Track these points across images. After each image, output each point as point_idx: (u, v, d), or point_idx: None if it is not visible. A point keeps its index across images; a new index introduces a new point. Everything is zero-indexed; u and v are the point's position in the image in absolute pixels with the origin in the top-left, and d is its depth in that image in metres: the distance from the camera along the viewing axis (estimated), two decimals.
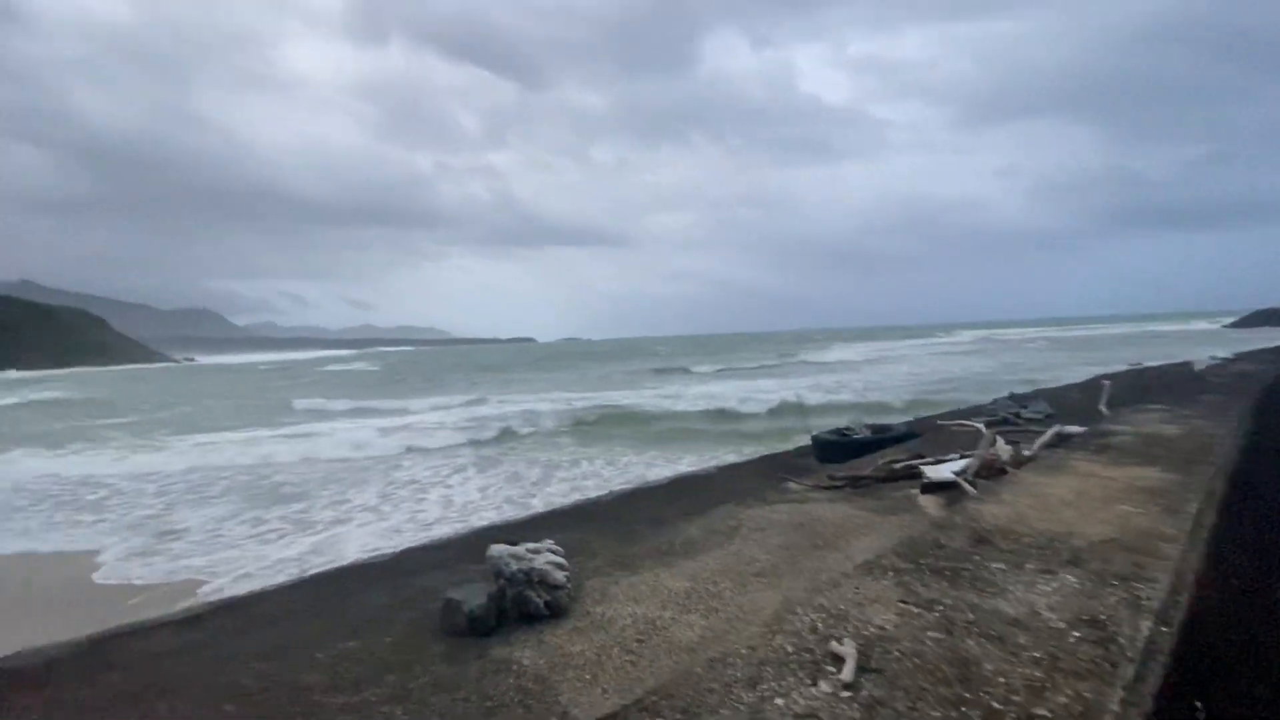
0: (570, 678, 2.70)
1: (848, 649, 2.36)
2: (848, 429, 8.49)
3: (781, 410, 19.49)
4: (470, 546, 5.20)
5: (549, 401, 26.01)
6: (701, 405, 21.91)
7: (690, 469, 10.02)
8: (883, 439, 7.95)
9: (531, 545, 3.41)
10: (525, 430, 17.82)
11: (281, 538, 9.01)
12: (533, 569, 3.25)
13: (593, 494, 9.66)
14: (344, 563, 5.49)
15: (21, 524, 10.54)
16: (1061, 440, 6.87)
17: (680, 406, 21.96)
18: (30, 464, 15.62)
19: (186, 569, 7.75)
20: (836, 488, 5.87)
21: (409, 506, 10.57)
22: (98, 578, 7.77)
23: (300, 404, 29.80)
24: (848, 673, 2.22)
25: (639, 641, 3.01)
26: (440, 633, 3.19)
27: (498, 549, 3.27)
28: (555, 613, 3.25)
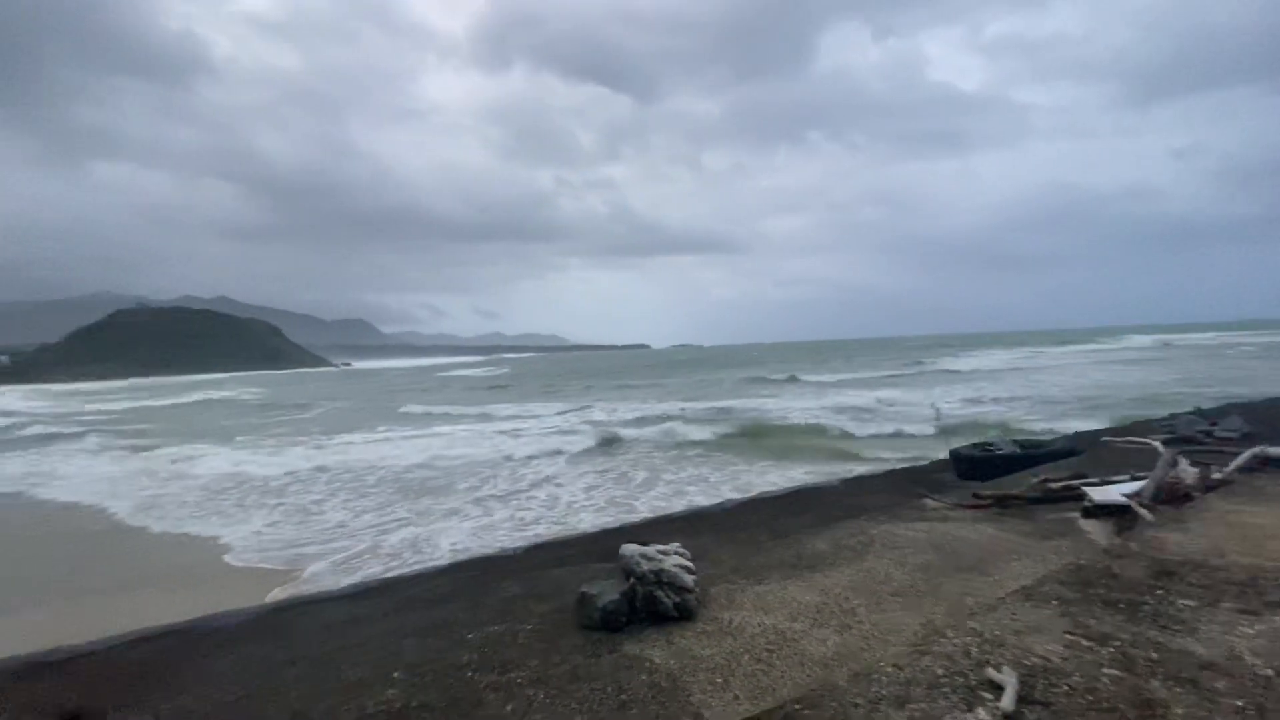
0: (701, 679, 2.72)
1: (1008, 677, 2.18)
2: (990, 443, 7.81)
3: (906, 421, 18.29)
4: (593, 545, 5.41)
5: (659, 407, 26.26)
6: (818, 415, 21.02)
7: (809, 480, 9.70)
8: (1034, 455, 7.22)
9: (660, 547, 3.48)
10: (633, 435, 18.03)
11: (404, 526, 9.78)
12: (662, 570, 3.31)
13: (700, 501, 9.65)
14: (480, 553, 5.88)
15: (169, 511, 12.18)
16: (1264, 464, 5.89)
17: (795, 417, 21.20)
18: (211, 461, 17.60)
19: (318, 554, 8.60)
20: (981, 507, 5.42)
21: (529, 504, 11.07)
22: (229, 559, 8.75)
23: (433, 409, 31.98)
24: (1008, 701, 2.06)
25: (769, 651, 2.96)
26: (574, 625, 3.33)
27: (630, 549, 3.37)
28: (683, 615, 3.28)
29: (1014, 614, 2.90)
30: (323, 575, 7.53)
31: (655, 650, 3.01)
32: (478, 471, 14.34)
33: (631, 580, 3.32)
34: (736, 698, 2.56)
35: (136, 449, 21.39)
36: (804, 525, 5.19)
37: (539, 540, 6.39)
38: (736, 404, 26.10)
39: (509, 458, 15.71)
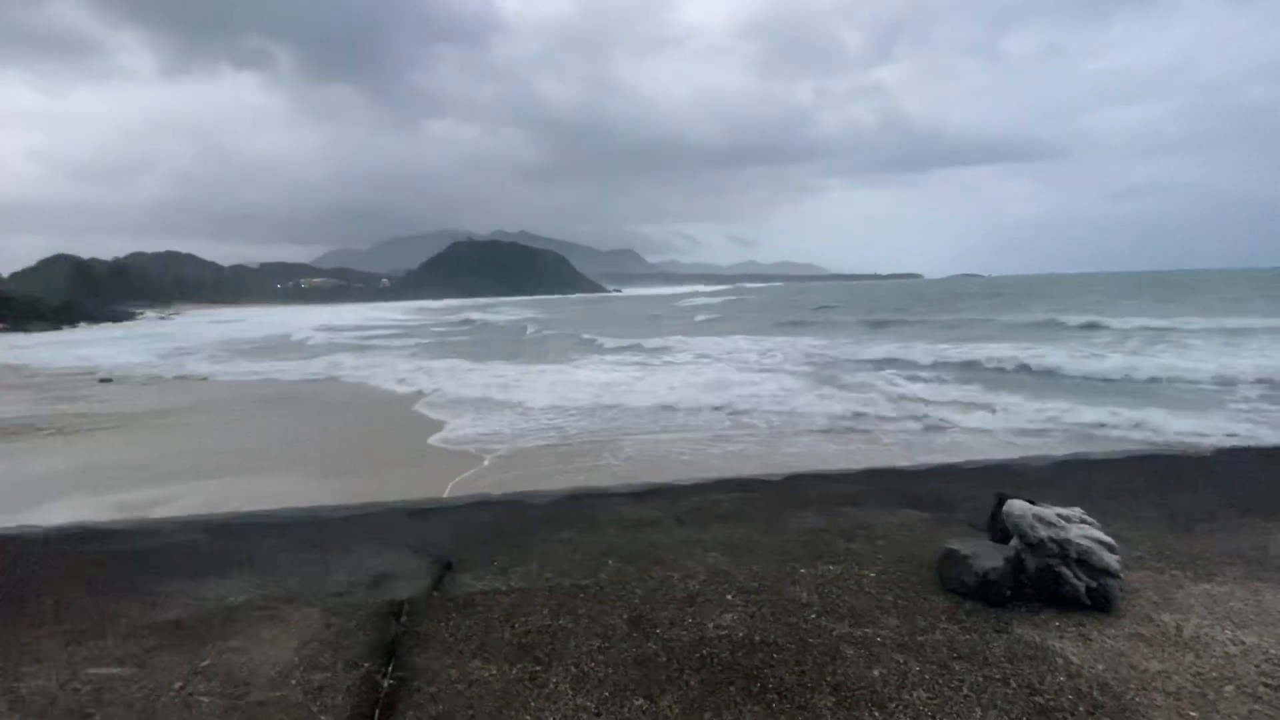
0: (1164, 707, 1.91)
1: None
2: None
3: None
4: (883, 483, 4.65)
5: (886, 349, 20.41)
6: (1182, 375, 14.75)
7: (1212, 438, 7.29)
8: None
9: (1060, 510, 2.63)
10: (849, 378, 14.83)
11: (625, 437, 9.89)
12: (1068, 541, 2.48)
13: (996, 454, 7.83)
14: (772, 476, 5.53)
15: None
16: None
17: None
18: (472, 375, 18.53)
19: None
20: None
21: (742, 430, 10.21)
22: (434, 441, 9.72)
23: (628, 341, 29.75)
24: None
25: (1266, 685, 2.00)
26: (934, 584, 2.73)
27: (1018, 506, 2.59)
28: (1097, 604, 2.44)
29: None
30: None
31: (1067, 644, 2.26)
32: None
33: (1020, 546, 2.56)
34: None
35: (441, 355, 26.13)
36: (1242, 508, 3.71)
37: (825, 470, 5.81)
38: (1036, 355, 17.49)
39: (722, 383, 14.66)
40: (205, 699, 1.89)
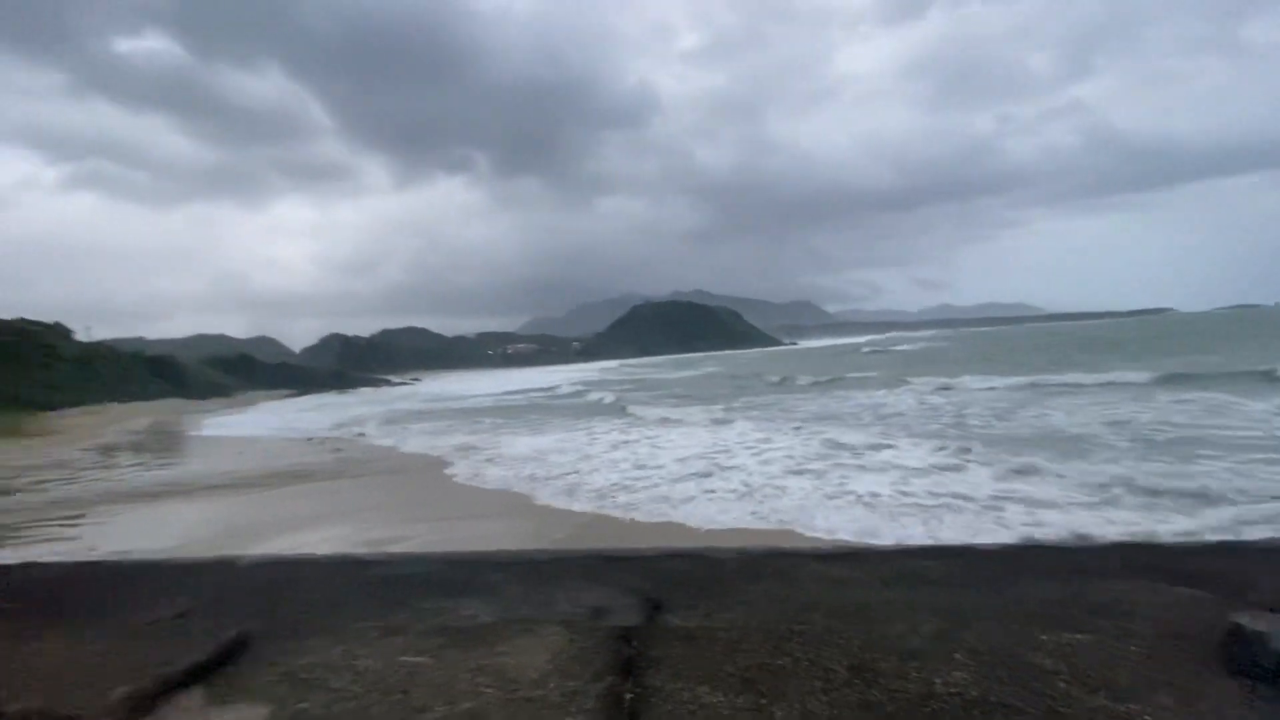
0: None
1: None
2: None
3: None
4: (1150, 565, 3.93)
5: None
6: None
7: None
8: None
9: None
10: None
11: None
12: None
13: None
14: (1001, 543, 5.04)
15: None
16: None
17: None
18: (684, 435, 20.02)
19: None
20: None
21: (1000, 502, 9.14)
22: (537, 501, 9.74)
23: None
24: None
25: None
26: (1219, 666, 2.33)
27: None
28: None
29: None
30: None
31: None
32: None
33: None
34: None
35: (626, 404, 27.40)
36: None
37: (1032, 539, 5.12)
38: None
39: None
40: (488, 690, 2.28)
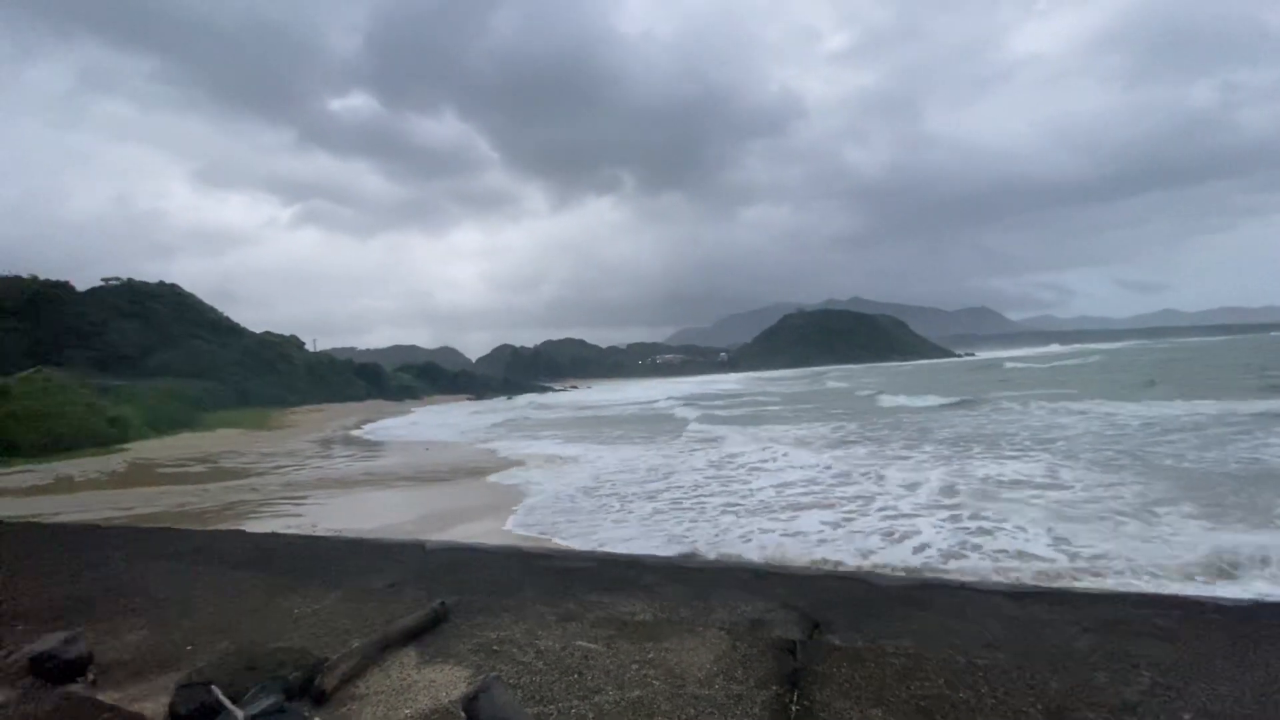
0: None
1: None
2: None
3: None
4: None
5: None
6: None
7: None
8: None
9: None
10: None
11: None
12: None
13: None
14: (1234, 598, 4.19)
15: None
16: None
17: None
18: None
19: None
20: None
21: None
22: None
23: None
24: None
25: None
26: None
27: None
28: None
29: None
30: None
31: None
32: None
33: None
34: None
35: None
36: None
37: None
38: None
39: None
40: (655, 682, 2.39)
